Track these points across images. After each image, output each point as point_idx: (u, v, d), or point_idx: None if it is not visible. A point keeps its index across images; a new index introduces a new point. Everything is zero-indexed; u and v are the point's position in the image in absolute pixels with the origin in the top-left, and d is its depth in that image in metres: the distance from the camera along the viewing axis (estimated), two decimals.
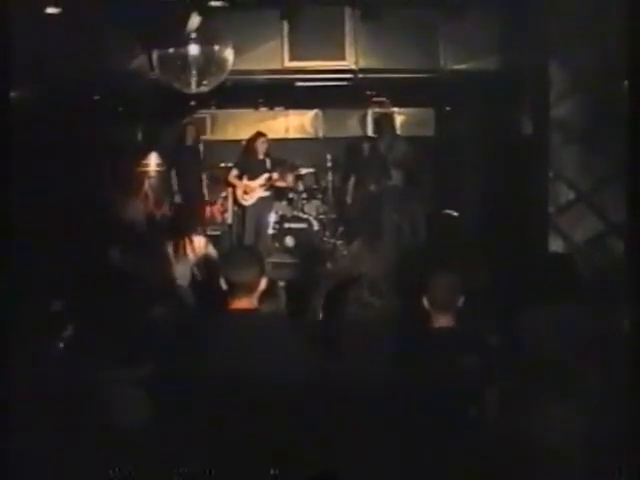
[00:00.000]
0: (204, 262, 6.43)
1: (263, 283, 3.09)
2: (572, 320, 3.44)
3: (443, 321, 3.35)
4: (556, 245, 6.46)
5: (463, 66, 6.92)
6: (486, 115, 7.32)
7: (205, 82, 6.53)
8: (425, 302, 3.39)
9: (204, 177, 9.16)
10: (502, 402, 3.07)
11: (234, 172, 8.68)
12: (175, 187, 8.91)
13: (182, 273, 6.37)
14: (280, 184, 8.73)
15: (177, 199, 8.94)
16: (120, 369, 3.20)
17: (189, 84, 6.53)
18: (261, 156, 8.57)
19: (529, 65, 6.63)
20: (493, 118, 7.25)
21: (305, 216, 9.30)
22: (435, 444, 2.91)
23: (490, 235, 7.18)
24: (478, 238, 7.21)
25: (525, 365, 3.17)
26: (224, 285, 3.09)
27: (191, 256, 6.38)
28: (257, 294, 3.08)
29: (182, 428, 2.81)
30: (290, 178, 9.08)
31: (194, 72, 6.46)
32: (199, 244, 6.49)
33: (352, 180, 8.53)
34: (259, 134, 8.62)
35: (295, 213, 9.36)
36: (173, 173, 8.97)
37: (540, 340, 3.38)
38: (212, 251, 6.54)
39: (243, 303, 3.05)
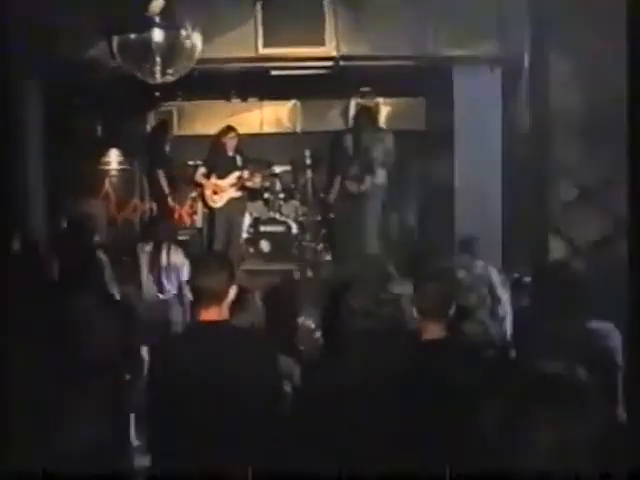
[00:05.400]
0: (172, 270, 6.27)
1: (232, 292, 3.01)
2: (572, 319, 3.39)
3: (434, 330, 3.10)
4: (556, 244, 6.54)
5: (455, 52, 6.70)
6: (480, 108, 6.93)
7: (170, 71, 6.28)
8: (414, 310, 3.16)
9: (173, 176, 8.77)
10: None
11: (201, 170, 8.22)
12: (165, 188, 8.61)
13: (148, 281, 6.29)
14: (252, 183, 8.28)
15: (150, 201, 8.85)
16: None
17: (153, 73, 6.25)
18: (231, 153, 8.14)
19: (528, 55, 6.62)
20: (487, 111, 6.92)
21: (282, 218, 8.85)
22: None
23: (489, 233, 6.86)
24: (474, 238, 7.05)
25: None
26: (190, 294, 2.90)
27: (158, 263, 6.27)
28: (226, 304, 3.00)
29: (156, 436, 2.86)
30: (264, 176, 8.63)
31: (158, 60, 6.19)
32: (167, 250, 6.32)
33: (333, 178, 8.15)
34: (228, 128, 8.21)
35: (271, 215, 8.92)
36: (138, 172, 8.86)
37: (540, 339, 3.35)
38: (180, 258, 6.32)
39: (211, 314, 2.97)
